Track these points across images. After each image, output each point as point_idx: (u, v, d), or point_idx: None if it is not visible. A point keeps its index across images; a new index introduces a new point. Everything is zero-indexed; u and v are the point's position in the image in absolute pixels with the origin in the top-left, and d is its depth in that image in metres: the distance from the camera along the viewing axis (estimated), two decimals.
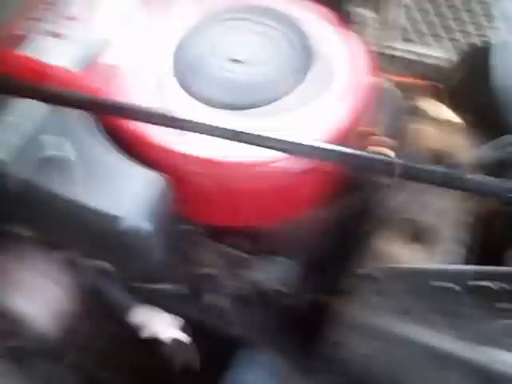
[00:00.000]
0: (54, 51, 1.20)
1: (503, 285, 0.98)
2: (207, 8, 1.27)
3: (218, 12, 1.26)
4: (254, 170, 1.07)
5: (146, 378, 1.50)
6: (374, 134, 1.30)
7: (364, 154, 0.90)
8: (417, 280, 1.06)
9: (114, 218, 1.00)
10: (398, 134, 1.29)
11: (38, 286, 1.17)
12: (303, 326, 1.28)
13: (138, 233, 1.01)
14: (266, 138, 0.91)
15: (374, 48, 1.68)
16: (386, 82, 1.36)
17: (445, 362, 1.09)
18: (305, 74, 1.16)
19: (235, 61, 1.16)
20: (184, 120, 0.94)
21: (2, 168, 1.05)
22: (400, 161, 0.86)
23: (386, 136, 1.32)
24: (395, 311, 1.12)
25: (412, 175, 0.87)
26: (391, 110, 1.35)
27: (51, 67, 1.16)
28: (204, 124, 0.93)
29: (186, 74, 1.16)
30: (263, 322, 1.32)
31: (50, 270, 1.19)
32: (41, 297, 1.17)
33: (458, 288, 1.02)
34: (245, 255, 1.21)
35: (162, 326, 1.18)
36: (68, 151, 1.04)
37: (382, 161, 0.88)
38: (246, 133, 0.91)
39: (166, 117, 0.94)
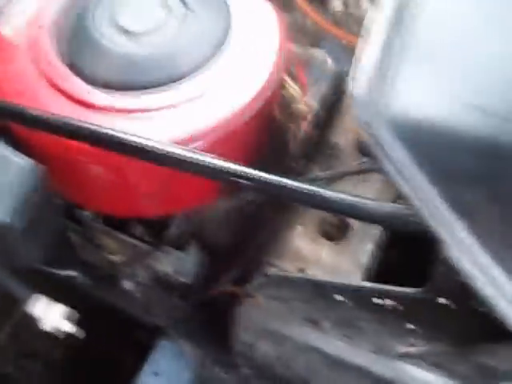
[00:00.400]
0: None
1: (397, 305, 0.88)
2: None
3: None
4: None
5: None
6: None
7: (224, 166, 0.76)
8: (314, 290, 0.95)
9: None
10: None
11: None
12: (214, 319, 1.21)
13: (5, 229, 0.90)
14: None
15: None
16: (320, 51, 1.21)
17: (344, 371, 1.01)
18: (217, 47, 1.01)
19: (128, 32, 1.00)
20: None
21: None
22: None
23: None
24: (295, 317, 1.03)
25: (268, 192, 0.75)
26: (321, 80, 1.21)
27: None
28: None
29: (66, 46, 1.02)
30: (175, 312, 1.25)
31: None
32: None
33: (350, 303, 0.92)
34: (145, 245, 1.11)
35: (58, 317, 1.08)
36: None
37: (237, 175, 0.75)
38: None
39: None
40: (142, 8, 1.04)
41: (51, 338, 1.60)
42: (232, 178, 0.74)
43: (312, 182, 0.73)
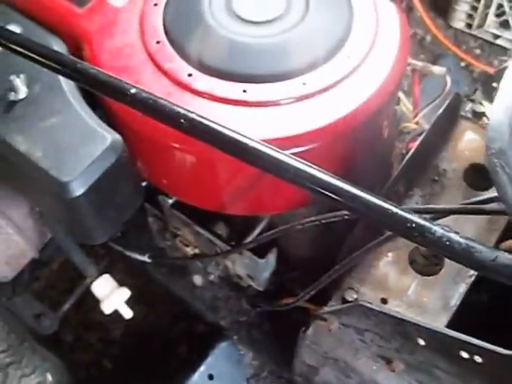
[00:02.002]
0: None
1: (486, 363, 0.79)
2: None
3: None
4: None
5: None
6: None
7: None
8: (396, 328, 0.87)
9: (54, 180, 0.87)
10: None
11: None
12: (278, 330, 1.15)
13: (73, 198, 0.87)
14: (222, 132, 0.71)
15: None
16: (441, 68, 1.13)
17: None
18: (341, 44, 0.95)
19: (249, 21, 0.96)
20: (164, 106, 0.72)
21: None
22: None
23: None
24: (367, 351, 0.95)
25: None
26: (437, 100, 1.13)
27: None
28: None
29: (179, 31, 0.97)
30: (240, 315, 1.20)
31: (14, 213, 1.09)
32: None
33: (432, 349, 0.84)
34: (223, 244, 1.05)
35: (119, 301, 1.05)
36: (19, 90, 0.91)
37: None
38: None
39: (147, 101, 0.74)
40: None
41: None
42: (323, 191, 0.66)
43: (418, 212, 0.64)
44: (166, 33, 0.96)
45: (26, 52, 0.83)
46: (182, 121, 0.68)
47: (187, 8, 0.98)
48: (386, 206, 0.61)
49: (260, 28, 0.95)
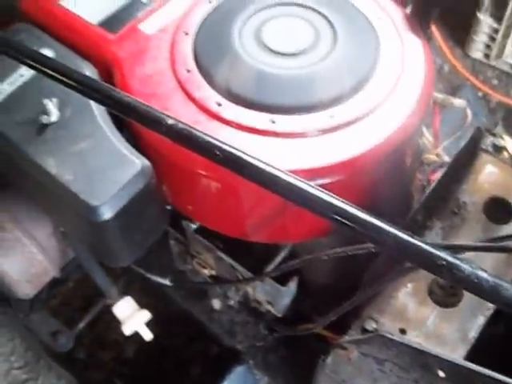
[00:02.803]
0: (93, 7, 1.08)
1: None
2: None
3: None
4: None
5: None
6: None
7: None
8: (416, 359, 0.88)
9: (84, 203, 0.89)
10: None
11: (20, 246, 1.10)
12: (294, 355, 1.16)
13: (102, 222, 0.89)
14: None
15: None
16: (461, 101, 1.14)
17: None
18: (368, 78, 0.97)
19: (279, 53, 0.98)
20: (193, 134, 0.73)
21: None
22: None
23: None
24: (385, 381, 0.96)
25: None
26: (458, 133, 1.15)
27: (83, 23, 1.06)
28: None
29: (209, 61, 0.99)
30: (257, 340, 1.21)
31: (38, 232, 1.11)
32: (19, 256, 1.10)
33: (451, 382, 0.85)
34: (244, 270, 1.07)
35: (140, 323, 1.07)
36: (51, 113, 0.93)
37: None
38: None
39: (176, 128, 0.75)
40: (289, 30, 1.00)
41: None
42: (353, 225, 0.67)
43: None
44: (196, 62, 0.99)
45: (63, 78, 0.85)
46: (217, 152, 0.70)
47: (217, 38, 1.00)
48: (417, 242, 0.62)
49: (289, 60, 0.97)
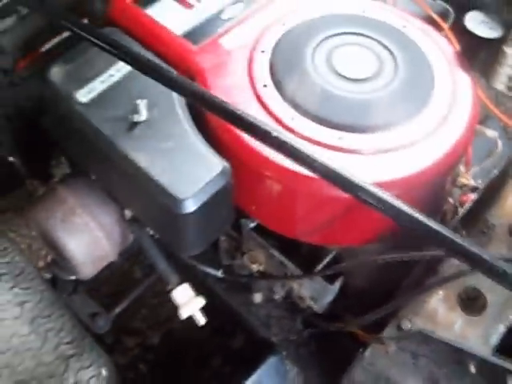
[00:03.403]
0: (177, 19, 1.20)
1: None
2: (317, 10, 1.21)
3: (325, 20, 1.19)
4: (324, 189, 1.02)
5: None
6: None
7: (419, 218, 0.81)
8: (451, 355, 1.01)
9: (171, 196, 0.99)
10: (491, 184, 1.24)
11: (88, 230, 1.20)
12: (325, 350, 1.27)
13: (184, 214, 1.00)
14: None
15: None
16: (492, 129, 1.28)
17: None
18: (425, 104, 1.09)
19: (347, 78, 1.10)
20: (275, 137, 0.86)
21: (81, 111, 1.08)
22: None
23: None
24: (418, 374, 1.08)
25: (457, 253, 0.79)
26: (491, 162, 1.28)
27: (168, 33, 1.17)
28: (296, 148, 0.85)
29: (284, 78, 1.11)
30: (291, 334, 1.32)
31: (104, 218, 1.22)
32: (86, 239, 1.20)
33: (481, 378, 0.97)
34: (294, 267, 1.18)
35: (196, 308, 1.18)
36: (141, 112, 1.05)
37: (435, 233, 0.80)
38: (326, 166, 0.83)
39: (256, 126, 0.88)
40: (357, 58, 1.12)
41: (152, 320, 1.73)
42: (432, 237, 0.79)
43: None
44: (272, 78, 1.10)
45: (160, 76, 0.96)
46: (316, 165, 0.82)
47: (292, 58, 1.12)
48: (484, 255, 0.75)
49: (355, 84, 1.09)
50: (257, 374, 1.31)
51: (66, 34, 1.28)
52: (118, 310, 1.57)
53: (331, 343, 1.29)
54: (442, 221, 1.25)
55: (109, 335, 1.73)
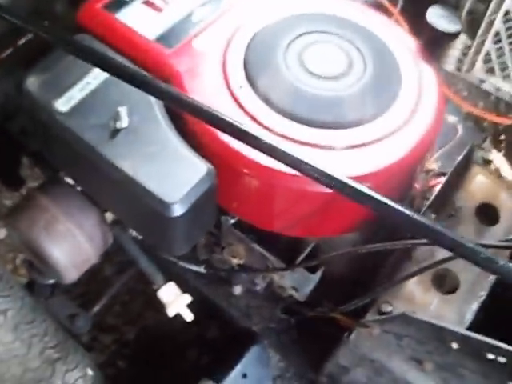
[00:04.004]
0: (149, 23, 1.20)
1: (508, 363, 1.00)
2: (286, 10, 1.25)
3: (295, 18, 1.22)
4: (302, 185, 1.06)
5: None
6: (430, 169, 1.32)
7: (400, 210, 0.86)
8: (433, 334, 1.07)
9: (159, 200, 1.01)
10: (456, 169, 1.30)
11: (71, 236, 1.21)
12: (306, 337, 1.33)
13: (173, 217, 1.02)
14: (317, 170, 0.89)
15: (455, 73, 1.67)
16: (454, 116, 1.35)
17: None
18: (392, 100, 1.13)
19: (320, 76, 1.15)
20: (252, 136, 0.88)
21: (62, 120, 1.08)
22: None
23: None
24: (401, 354, 1.14)
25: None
26: (452, 146, 1.35)
27: (141, 38, 1.18)
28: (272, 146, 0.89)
29: (259, 79, 1.14)
30: (272, 322, 1.37)
31: (86, 223, 1.23)
32: (69, 245, 1.21)
33: (462, 352, 1.04)
34: (275, 259, 1.22)
35: (182, 306, 1.21)
36: (123, 119, 1.06)
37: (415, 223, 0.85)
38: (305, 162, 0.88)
39: (233, 126, 0.91)
40: (327, 56, 1.17)
41: (126, 316, 1.75)
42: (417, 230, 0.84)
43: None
44: (247, 78, 1.14)
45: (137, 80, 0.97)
46: (292, 161, 0.86)
47: (265, 58, 1.15)
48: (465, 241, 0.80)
49: (326, 82, 1.14)
50: (241, 364, 1.35)
51: (26, 38, 1.27)
52: (96, 308, 1.58)
53: (312, 330, 1.34)
54: (411, 206, 1.31)
55: (85, 334, 1.74)
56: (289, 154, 0.88)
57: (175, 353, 1.74)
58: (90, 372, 1.39)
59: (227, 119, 0.90)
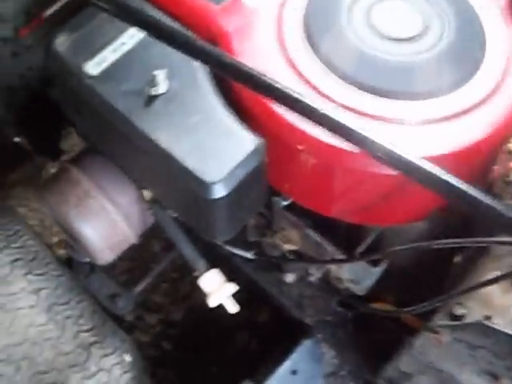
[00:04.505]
0: None
1: None
2: None
3: None
4: (366, 165, 0.91)
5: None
6: None
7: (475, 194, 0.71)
8: (509, 347, 0.91)
9: (197, 180, 0.88)
10: None
11: (105, 213, 1.10)
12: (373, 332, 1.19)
13: (214, 199, 0.89)
14: (384, 147, 0.74)
15: None
16: None
17: None
18: (475, 69, 0.97)
19: (391, 38, 0.98)
20: (307, 105, 0.76)
21: (92, 85, 0.96)
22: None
23: None
24: (474, 366, 0.99)
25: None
26: None
27: None
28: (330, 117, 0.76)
29: (320, 40, 0.98)
30: (326, 315, 1.23)
31: (122, 199, 1.12)
32: (103, 224, 1.11)
33: None
34: (333, 248, 1.08)
35: (226, 296, 1.08)
36: (160, 84, 0.93)
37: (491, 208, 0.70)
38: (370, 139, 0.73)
39: (288, 95, 0.78)
40: (399, 15, 1.00)
41: (173, 295, 1.64)
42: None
43: None
44: (306, 40, 0.98)
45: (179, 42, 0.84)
46: (357, 137, 0.71)
47: (327, 17, 0.99)
48: None
49: (398, 45, 0.97)
50: (290, 359, 1.22)
51: None
52: (141, 286, 1.48)
53: (371, 325, 1.20)
54: (490, 192, 1.14)
55: (129, 312, 1.65)
56: (352, 129, 0.76)
57: (223, 336, 1.63)
58: (128, 358, 1.29)
59: (281, 87, 0.79)
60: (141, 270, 1.69)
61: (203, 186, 0.88)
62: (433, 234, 1.08)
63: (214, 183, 0.87)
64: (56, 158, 1.39)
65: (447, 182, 0.70)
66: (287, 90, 0.77)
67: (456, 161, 0.92)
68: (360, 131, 0.74)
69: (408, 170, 0.73)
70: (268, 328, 1.58)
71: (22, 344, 1.18)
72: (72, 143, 1.50)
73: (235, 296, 1.12)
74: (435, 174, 0.70)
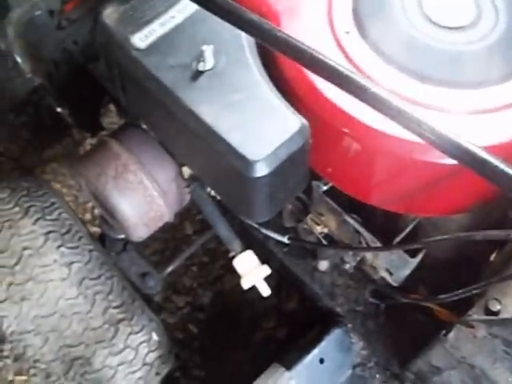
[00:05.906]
0: None
1: None
2: None
3: None
4: (412, 152, 0.88)
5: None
6: None
7: None
8: None
9: (240, 157, 0.87)
10: None
11: (142, 188, 1.10)
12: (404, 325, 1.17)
13: (256, 178, 0.88)
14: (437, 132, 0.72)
15: None
16: None
17: None
18: None
19: (443, 26, 0.96)
20: (359, 83, 0.72)
21: (138, 58, 0.95)
22: None
23: None
24: (508, 363, 0.97)
25: None
26: None
27: None
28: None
29: (370, 23, 0.97)
30: (358, 305, 1.22)
31: (160, 175, 1.11)
32: (140, 199, 1.11)
33: None
34: (371, 236, 1.06)
35: (259, 278, 1.07)
36: (207, 60, 0.92)
37: None
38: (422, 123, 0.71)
39: (340, 73, 0.75)
40: (452, 2, 0.98)
41: (202, 278, 1.64)
42: None
43: None
44: (356, 23, 0.96)
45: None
46: (409, 123, 0.69)
47: (379, 1, 0.97)
48: None
49: (450, 33, 0.95)
50: (319, 347, 1.21)
51: None
52: (169, 269, 1.48)
53: (402, 318, 1.18)
54: None
55: (158, 293, 1.65)
56: (402, 111, 0.71)
57: (251, 322, 1.62)
58: (155, 337, 1.30)
59: (333, 63, 0.75)
60: (172, 252, 1.69)
61: (245, 163, 0.87)
62: (472, 229, 1.06)
63: (256, 161, 0.86)
64: (94, 135, 1.39)
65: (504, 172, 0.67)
66: (340, 68, 0.75)
67: (505, 152, 0.90)
68: (411, 114, 0.72)
69: (464, 157, 0.70)
70: (295, 316, 1.57)
71: (51, 316, 1.18)
72: (110, 121, 1.50)
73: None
74: (492, 163, 0.67)
